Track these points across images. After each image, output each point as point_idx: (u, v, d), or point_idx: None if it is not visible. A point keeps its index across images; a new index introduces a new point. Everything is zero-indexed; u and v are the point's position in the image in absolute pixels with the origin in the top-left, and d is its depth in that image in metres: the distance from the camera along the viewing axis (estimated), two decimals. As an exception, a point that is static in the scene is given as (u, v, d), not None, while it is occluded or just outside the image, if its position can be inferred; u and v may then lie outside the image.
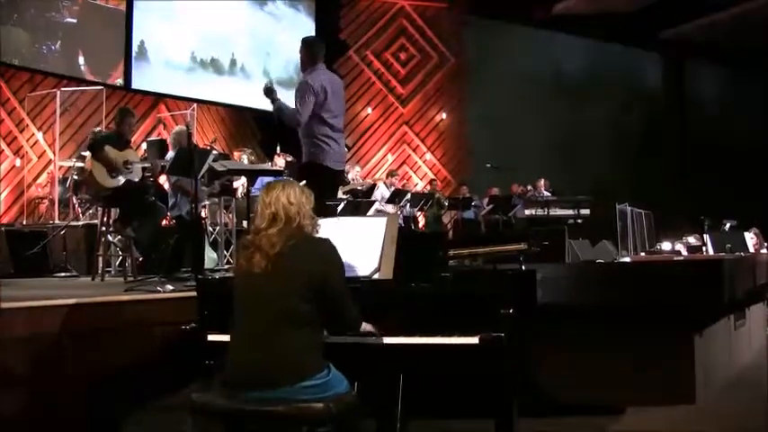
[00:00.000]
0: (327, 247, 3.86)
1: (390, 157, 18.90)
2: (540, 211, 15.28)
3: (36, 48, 12.85)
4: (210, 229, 10.54)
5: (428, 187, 17.71)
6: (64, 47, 13.18)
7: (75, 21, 13.32)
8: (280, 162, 12.46)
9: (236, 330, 3.80)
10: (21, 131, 13.36)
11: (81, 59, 13.36)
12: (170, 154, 9.45)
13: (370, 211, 12.78)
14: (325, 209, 7.42)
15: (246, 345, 3.69)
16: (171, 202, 9.11)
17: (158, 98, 15.25)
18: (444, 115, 19.72)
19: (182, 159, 8.26)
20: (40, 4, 12.83)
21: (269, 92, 7.58)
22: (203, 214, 10.38)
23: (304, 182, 6.81)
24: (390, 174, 16.16)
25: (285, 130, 7.77)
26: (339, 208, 10.41)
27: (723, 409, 6.18)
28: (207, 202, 10.12)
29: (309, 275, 3.69)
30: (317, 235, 3.96)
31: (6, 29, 12.40)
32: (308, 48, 7.61)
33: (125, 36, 14.43)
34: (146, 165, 9.12)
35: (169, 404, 4.78)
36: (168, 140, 10.05)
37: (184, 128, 9.89)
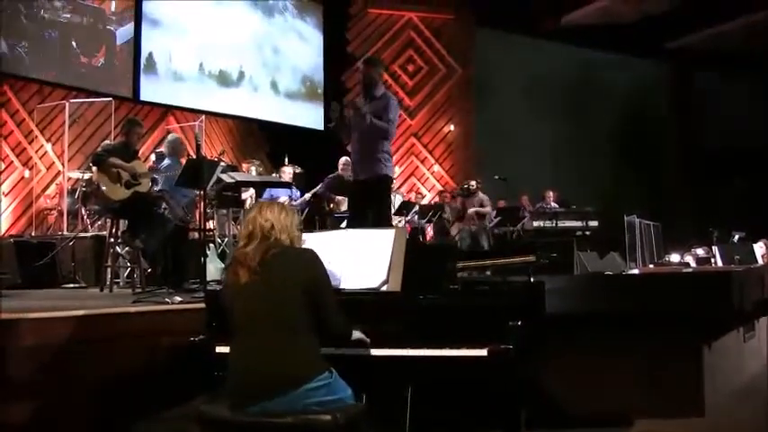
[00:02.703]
0: (310, 256, 3.93)
1: (398, 169, 18.86)
2: (548, 223, 15.26)
3: (40, 34, 13.02)
4: (219, 240, 10.55)
5: (438, 198, 17.76)
6: (61, 35, 13.33)
7: (69, 16, 13.53)
8: (288, 170, 12.42)
9: (233, 343, 3.85)
10: (30, 143, 13.39)
11: (74, 44, 13.54)
12: (165, 162, 9.46)
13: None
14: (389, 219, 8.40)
15: (245, 356, 3.74)
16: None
17: (167, 110, 15.28)
18: (452, 127, 19.71)
19: (190, 171, 8.28)
20: (44, 3, 13.19)
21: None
22: (211, 225, 10.39)
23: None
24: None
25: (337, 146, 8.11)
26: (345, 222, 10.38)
27: (732, 422, 6.16)
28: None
29: (295, 283, 3.76)
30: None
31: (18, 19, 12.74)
32: (378, 66, 8.09)
33: (133, 48, 14.49)
34: (155, 176, 9.14)
35: (177, 415, 4.78)
36: (163, 149, 10.07)
37: (178, 136, 9.92)
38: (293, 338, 3.70)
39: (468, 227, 15.22)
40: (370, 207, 7.81)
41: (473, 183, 15.44)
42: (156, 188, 9.29)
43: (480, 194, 15.22)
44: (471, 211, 15.06)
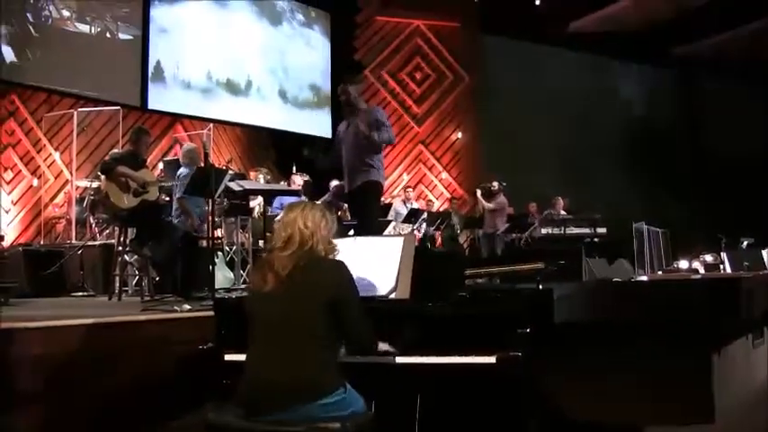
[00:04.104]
0: (340, 269, 3.87)
1: (406, 177, 18.90)
2: (556, 230, 15.24)
3: (48, 42, 13.16)
4: (227, 248, 10.55)
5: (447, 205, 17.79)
6: (69, 43, 13.50)
7: (77, 24, 13.69)
8: (298, 180, 12.46)
9: (251, 350, 3.81)
10: (38, 151, 13.42)
11: (82, 52, 13.68)
12: (181, 170, 9.47)
13: (386, 231, 12.78)
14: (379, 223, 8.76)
15: (262, 365, 3.70)
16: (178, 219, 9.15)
17: (175, 118, 15.29)
18: (460, 134, 19.72)
19: (198, 179, 8.28)
20: (52, 11, 13.36)
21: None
22: (219, 233, 10.40)
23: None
24: (405, 189, 16.17)
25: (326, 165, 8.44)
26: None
27: (742, 429, 6.14)
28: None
29: (323, 295, 3.71)
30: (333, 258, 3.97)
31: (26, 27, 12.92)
32: (355, 83, 8.32)
33: (141, 57, 14.52)
34: (163, 184, 9.15)
35: (185, 424, 4.77)
36: (180, 158, 10.08)
37: (194, 145, 9.93)
38: (313, 350, 3.66)
39: (485, 231, 15.28)
40: (358, 211, 8.08)
41: (495, 183, 15.46)
42: (163, 197, 9.31)
43: (502, 197, 15.27)
44: (489, 207, 15.12)
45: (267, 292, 3.77)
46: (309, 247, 3.83)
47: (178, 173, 9.58)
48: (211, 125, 14.99)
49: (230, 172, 9.74)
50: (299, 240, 3.82)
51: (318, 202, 4.32)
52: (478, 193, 15.65)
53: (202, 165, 9.26)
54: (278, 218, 10.60)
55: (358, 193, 7.93)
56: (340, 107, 8.40)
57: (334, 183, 12.03)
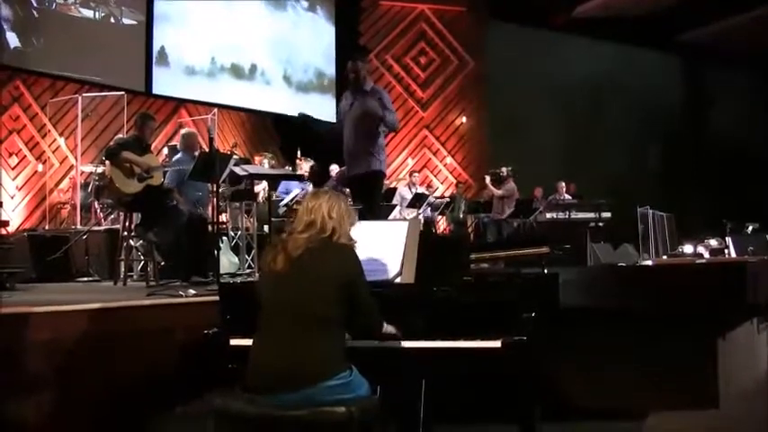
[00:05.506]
0: (349, 252, 3.88)
1: (411, 161, 18.87)
2: (561, 215, 15.23)
3: (52, 28, 13.20)
4: (232, 233, 10.55)
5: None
6: (73, 29, 13.56)
7: (81, 9, 13.75)
8: (305, 166, 12.45)
9: (259, 332, 3.81)
10: (43, 137, 13.43)
11: (86, 38, 13.74)
12: (178, 156, 9.45)
13: (391, 216, 12.78)
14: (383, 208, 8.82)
15: (269, 346, 3.70)
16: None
17: (179, 103, 15.30)
18: (464, 119, 19.70)
19: (203, 164, 8.27)
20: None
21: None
22: (224, 218, 10.40)
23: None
24: (411, 173, 16.16)
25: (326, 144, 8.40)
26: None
27: (747, 414, 6.14)
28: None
29: (332, 279, 3.71)
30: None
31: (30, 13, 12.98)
32: (365, 61, 8.15)
33: (145, 42, 14.51)
34: (167, 169, 9.13)
35: (192, 409, 4.78)
36: (177, 143, 10.07)
37: (192, 130, 9.92)
38: (319, 334, 3.66)
39: (492, 217, 15.29)
40: (361, 201, 7.98)
41: (504, 169, 15.44)
42: (166, 182, 9.31)
43: (511, 182, 15.26)
44: (498, 193, 15.13)
45: (277, 273, 3.78)
46: (328, 235, 3.84)
47: (174, 158, 9.59)
48: (216, 110, 14.97)
49: (235, 157, 9.73)
50: (320, 226, 3.84)
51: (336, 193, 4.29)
52: (488, 179, 15.64)
53: (198, 151, 9.28)
54: (285, 201, 10.66)
55: (358, 182, 7.95)
56: (345, 91, 8.35)
57: (335, 168, 12.05)
